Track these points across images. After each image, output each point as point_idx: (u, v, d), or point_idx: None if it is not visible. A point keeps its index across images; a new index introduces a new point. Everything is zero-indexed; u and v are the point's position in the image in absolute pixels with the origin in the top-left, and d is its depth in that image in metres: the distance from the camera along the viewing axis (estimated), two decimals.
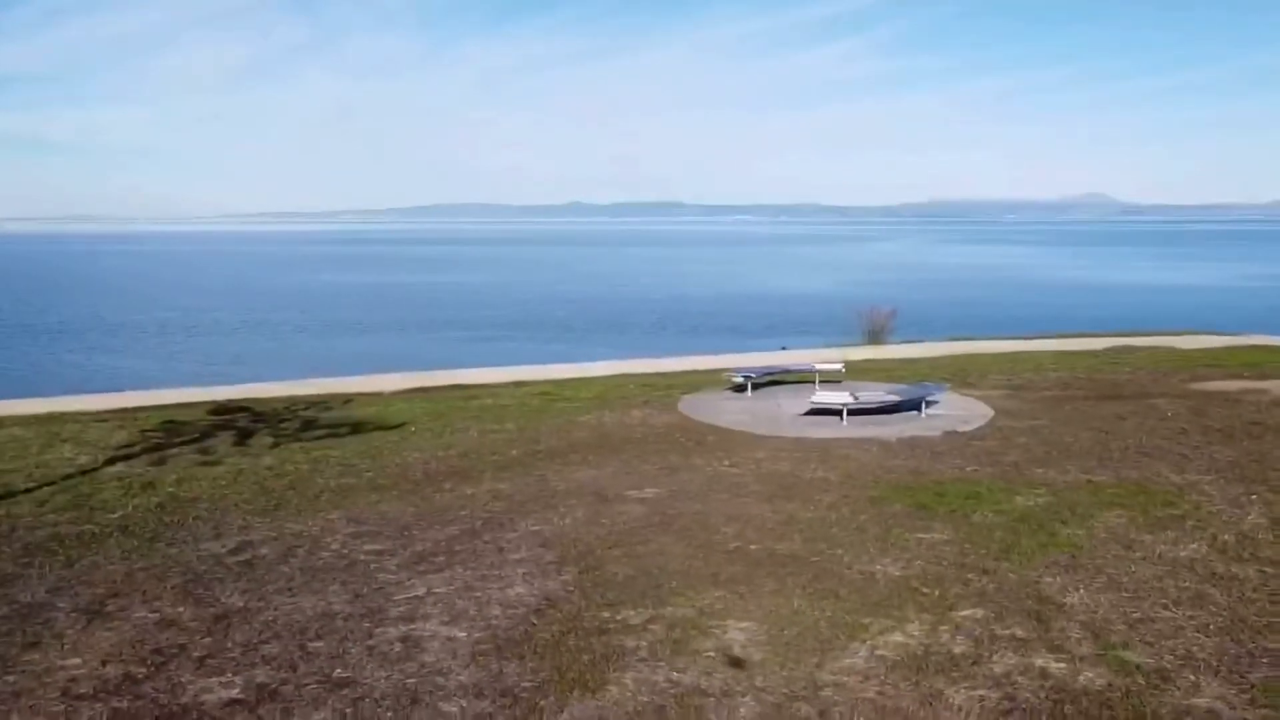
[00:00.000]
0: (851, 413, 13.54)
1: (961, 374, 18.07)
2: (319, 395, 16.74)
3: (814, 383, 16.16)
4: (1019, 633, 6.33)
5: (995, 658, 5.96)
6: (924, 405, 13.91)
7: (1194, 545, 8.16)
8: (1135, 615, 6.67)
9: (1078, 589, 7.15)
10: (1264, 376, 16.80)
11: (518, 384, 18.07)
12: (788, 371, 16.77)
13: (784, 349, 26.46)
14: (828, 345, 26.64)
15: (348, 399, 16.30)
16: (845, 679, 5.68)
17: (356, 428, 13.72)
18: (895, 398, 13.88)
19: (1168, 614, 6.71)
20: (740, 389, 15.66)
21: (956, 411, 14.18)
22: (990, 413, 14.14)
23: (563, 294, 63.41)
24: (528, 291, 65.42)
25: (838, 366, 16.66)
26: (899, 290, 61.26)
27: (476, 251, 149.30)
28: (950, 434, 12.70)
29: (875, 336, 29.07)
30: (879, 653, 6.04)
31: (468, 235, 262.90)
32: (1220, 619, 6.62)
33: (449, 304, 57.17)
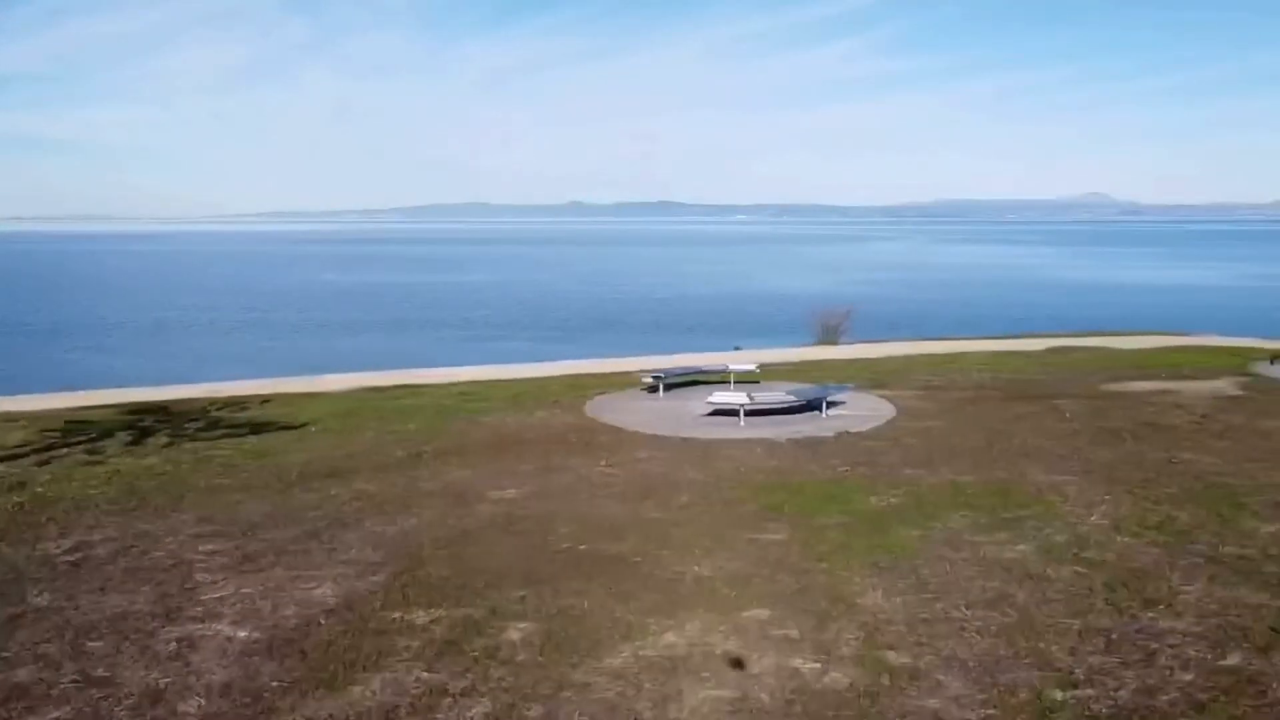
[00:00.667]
0: (750, 413, 13.57)
1: (889, 374, 18.10)
2: (245, 395, 16.78)
3: (729, 383, 16.19)
4: (792, 633, 6.36)
5: (756, 658, 5.99)
6: (825, 406, 13.93)
7: (1023, 546, 8.18)
8: (923, 616, 6.70)
9: (879, 590, 7.18)
10: (1181, 378, 16.77)
11: (453, 384, 18.06)
12: (701, 372, 16.79)
13: (738, 349, 26.53)
14: (782, 345, 26.71)
15: (267, 399, 16.35)
16: (595, 679, 5.71)
17: (259, 428, 13.76)
18: (793, 398, 13.89)
19: (958, 615, 6.73)
20: (653, 390, 15.69)
21: (861, 412, 14.20)
22: (893, 412, 14.16)
23: (559, 293, 63.76)
24: (524, 291, 65.75)
25: (752, 367, 16.69)
26: (883, 289, 61.44)
27: (476, 251, 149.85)
28: (843, 434, 12.71)
29: (829, 336, 29.13)
30: (643, 653, 6.07)
31: (468, 235, 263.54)
32: (1008, 619, 6.64)
33: (446, 303, 57.62)
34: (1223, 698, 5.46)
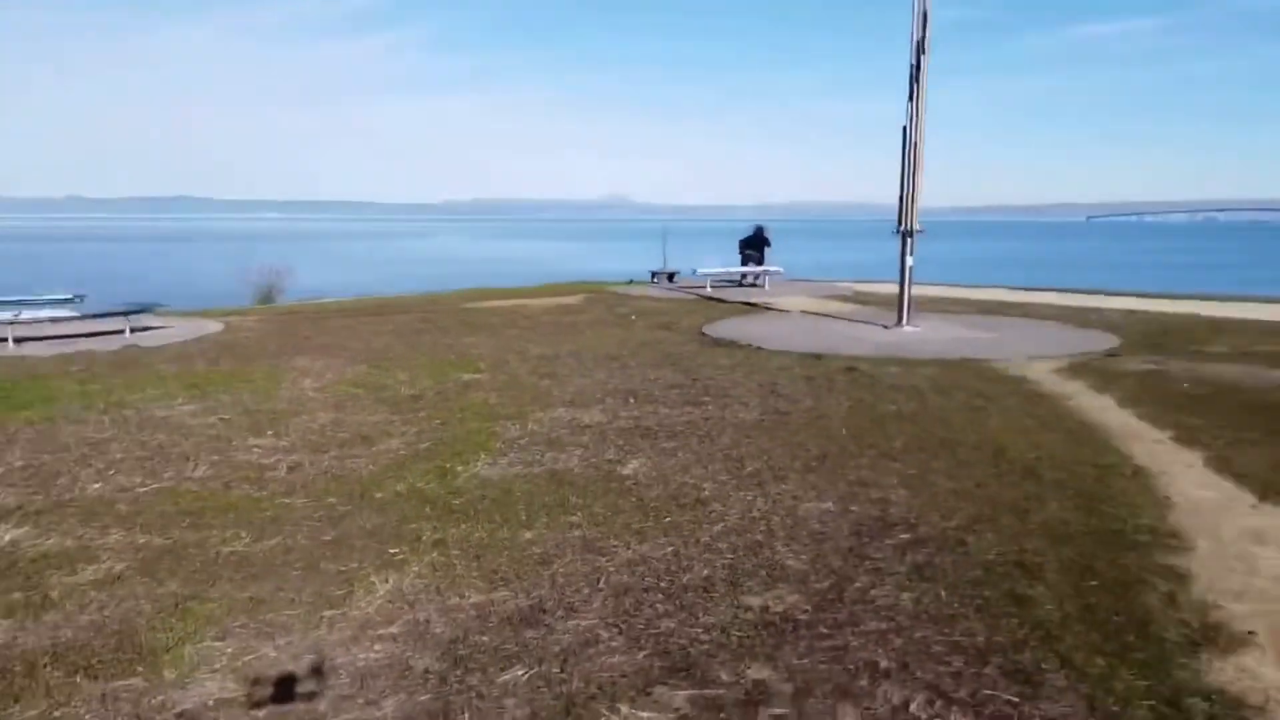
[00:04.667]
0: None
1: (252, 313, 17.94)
2: None
3: None
4: None
5: None
6: (129, 329, 13.58)
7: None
8: None
9: None
10: (549, 296, 18.65)
11: None
12: None
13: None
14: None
15: None
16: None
17: None
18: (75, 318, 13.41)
19: None
20: None
21: (177, 333, 13.95)
22: (215, 331, 14.11)
23: None
24: None
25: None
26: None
27: None
28: (128, 347, 12.38)
29: (266, 296, 28.77)
30: None
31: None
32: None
33: None
34: None
